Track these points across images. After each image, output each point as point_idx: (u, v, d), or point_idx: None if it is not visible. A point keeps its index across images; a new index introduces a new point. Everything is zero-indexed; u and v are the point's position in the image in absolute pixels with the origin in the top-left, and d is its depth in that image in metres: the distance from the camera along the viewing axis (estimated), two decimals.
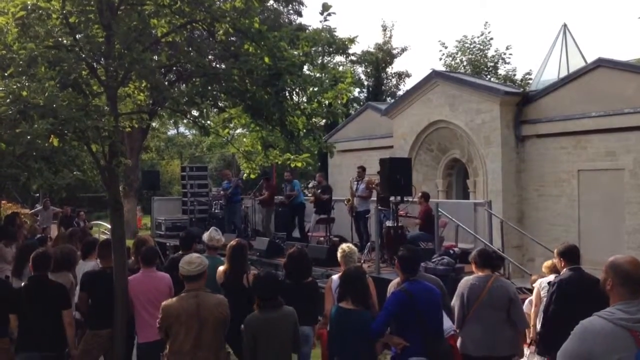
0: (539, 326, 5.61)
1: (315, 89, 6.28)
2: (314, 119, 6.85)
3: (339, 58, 34.08)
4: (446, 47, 30.76)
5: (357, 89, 33.27)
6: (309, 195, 15.09)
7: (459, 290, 5.29)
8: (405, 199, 9.91)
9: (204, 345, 4.49)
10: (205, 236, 6.58)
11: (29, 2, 5.19)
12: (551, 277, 6.42)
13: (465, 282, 5.31)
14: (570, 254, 5.26)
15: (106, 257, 5.78)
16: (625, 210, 12.71)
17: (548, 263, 6.57)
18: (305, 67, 6.64)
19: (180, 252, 6.79)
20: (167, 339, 4.57)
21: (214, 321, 4.53)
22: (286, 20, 29.69)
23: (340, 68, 31.61)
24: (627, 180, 12.67)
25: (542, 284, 6.34)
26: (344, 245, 5.80)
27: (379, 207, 10.44)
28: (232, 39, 6.55)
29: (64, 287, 5.38)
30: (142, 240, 6.64)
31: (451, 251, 9.78)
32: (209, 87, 6.15)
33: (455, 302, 5.29)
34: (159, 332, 4.70)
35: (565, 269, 5.24)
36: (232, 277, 5.62)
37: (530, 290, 8.60)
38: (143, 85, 5.96)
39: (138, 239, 6.77)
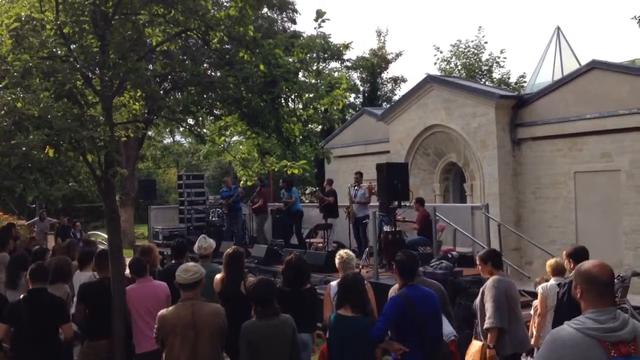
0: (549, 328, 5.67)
1: (311, 96, 6.28)
2: (310, 126, 6.85)
3: (334, 64, 34.18)
4: (441, 52, 30.93)
5: (353, 95, 33.33)
6: (306, 201, 15.12)
7: (497, 290, 5.24)
8: (402, 203, 9.92)
9: (200, 356, 4.41)
10: (195, 246, 6.53)
11: (22, 14, 5.19)
12: (552, 281, 6.41)
13: (500, 281, 5.29)
14: (579, 256, 5.28)
15: (102, 268, 5.75)
16: (622, 211, 12.73)
17: (551, 262, 6.55)
18: (301, 74, 6.64)
19: (173, 261, 6.76)
20: (164, 349, 4.50)
21: (210, 331, 4.46)
22: (280, 27, 29.79)
23: (336, 74, 31.65)
24: (624, 181, 12.70)
25: (546, 289, 6.27)
26: (341, 252, 5.77)
27: (379, 213, 10.43)
28: (227, 47, 6.55)
29: (63, 301, 5.34)
30: (146, 249, 6.60)
31: (449, 255, 9.78)
32: (205, 96, 6.15)
33: (496, 301, 5.21)
34: (156, 342, 4.65)
35: (574, 271, 5.27)
36: (229, 284, 5.60)
37: (530, 294, 8.58)
38: (138, 94, 5.95)
39: (143, 248, 6.70)
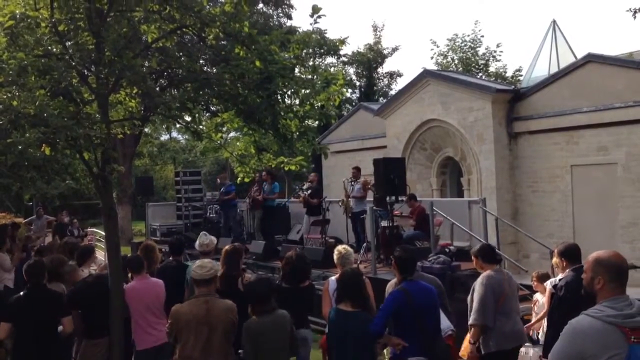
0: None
1: (307, 92, 6.29)
2: (306, 121, 6.84)
3: (330, 59, 34.13)
4: (437, 46, 30.91)
5: (349, 90, 33.31)
6: (295, 198, 15.10)
7: (484, 287, 5.19)
8: (399, 198, 9.93)
9: (213, 351, 4.48)
10: (196, 243, 6.53)
11: (17, 12, 5.16)
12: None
13: (488, 278, 5.23)
14: (571, 254, 5.14)
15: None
16: (618, 204, 12.77)
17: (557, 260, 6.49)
18: (297, 70, 6.63)
19: (170, 258, 6.76)
20: (176, 343, 4.55)
21: (224, 327, 4.52)
22: (276, 23, 29.70)
23: (332, 69, 31.63)
24: (620, 174, 12.73)
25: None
26: (339, 247, 5.78)
27: (375, 208, 10.44)
28: (223, 43, 6.54)
29: (62, 294, 5.32)
30: (149, 247, 6.57)
31: (447, 249, 9.80)
32: (201, 92, 6.13)
33: (482, 298, 5.16)
34: (167, 336, 4.68)
35: (567, 270, 5.17)
36: (226, 281, 5.60)
37: (527, 287, 8.60)
38: (134, 91, 5.93)
39: (146, 246, 6.67)
